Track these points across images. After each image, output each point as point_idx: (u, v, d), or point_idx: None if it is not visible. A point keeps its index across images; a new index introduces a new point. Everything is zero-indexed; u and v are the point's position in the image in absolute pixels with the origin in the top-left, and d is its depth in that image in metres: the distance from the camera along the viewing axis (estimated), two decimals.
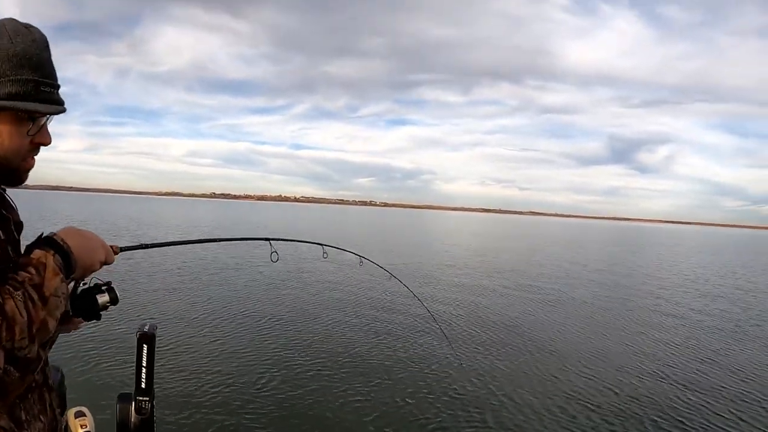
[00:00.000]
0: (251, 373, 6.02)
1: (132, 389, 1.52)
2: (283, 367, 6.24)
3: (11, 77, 1.03)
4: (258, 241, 2.12)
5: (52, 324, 0.97)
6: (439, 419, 5.17)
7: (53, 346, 1.20)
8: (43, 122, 1.12)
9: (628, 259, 27.39)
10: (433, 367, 6.67)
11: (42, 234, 1.12)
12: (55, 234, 1.11)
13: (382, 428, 4.91)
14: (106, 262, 1.23)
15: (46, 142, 1.15)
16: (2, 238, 1.06)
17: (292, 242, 2.67)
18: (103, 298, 1.29)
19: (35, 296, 0.95)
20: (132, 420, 1.49)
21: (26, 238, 1.17)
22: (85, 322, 1.33)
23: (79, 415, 1.60)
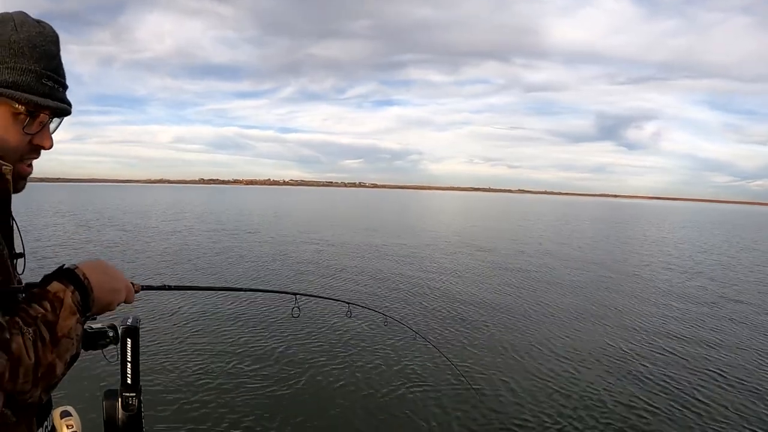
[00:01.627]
0: (245, 379, 6.05)
1: (118, 386, 1.46)
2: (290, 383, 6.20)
3: (9, 64, 0.96)
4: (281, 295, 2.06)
5: (60, 368, 0.89)
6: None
7: None
8: (44, 122, 1.04)
9: (613, 235, 27.70)
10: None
11: (63, 265, 1.03)
12: (77, 267, 1.03)
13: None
14: (125, 302, 1.18)
15: (46, 145, 1.06)
16: (6, 259, 0.99)
17: (316, 297, 2.78)
18: (105, 343, 1.31)
19: (47, 336, 0.86)
20: (119, 417, 1.45)
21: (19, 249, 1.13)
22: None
23: (65, 414, 1.56)
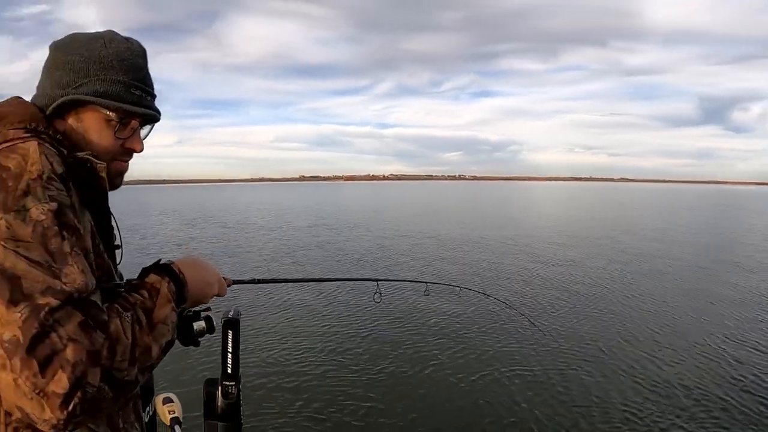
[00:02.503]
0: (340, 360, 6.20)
1: (218, 375, 1.50)
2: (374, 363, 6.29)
3: (100, 76, 1.08)
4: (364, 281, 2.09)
5: (155, 351, 0.95)
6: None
7: None
8: (135, 127, 1.15)
9: (719, 225, 25.41)
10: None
11: (160, 260, 1.13)
12: (173, 262, 1.12)
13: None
14: (218, 295, 1.27)
15: (137, 148, 1.18)
16: (107, 255, 1.09)
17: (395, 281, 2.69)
18: (199, 325, 1.31)
19: (144, 320, 0.94)
20: (219, 404, 1.50)
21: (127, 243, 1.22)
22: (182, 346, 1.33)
23: (167, 401, 1.63)
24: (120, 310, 0.91)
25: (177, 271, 1.10)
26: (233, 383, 1.52)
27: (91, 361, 0.81)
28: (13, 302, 0.79)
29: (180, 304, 1.09)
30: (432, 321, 7.73)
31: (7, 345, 0.77)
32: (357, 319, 7.77)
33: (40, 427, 0.81)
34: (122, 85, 1.10)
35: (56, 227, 0.87)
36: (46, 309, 0.79)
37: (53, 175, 0.92)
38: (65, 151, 1.01)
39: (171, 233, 21.57)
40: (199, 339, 1.33)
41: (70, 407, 0.78)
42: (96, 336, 0.83)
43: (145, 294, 0.99)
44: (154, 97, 1.19)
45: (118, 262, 1.21)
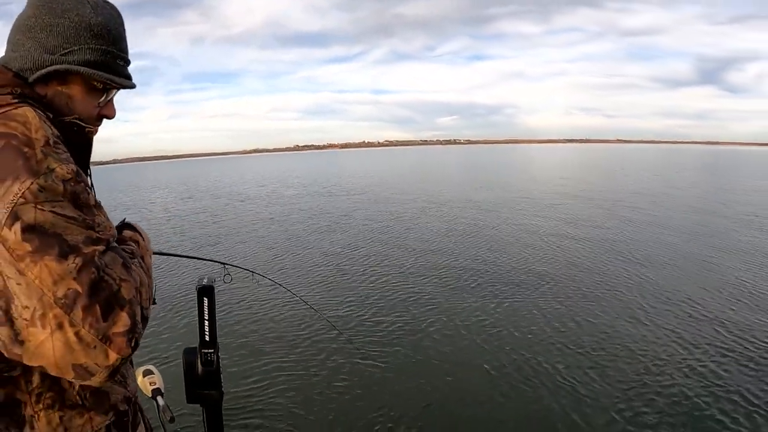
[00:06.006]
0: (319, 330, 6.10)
1: (196, 344, 1.51)
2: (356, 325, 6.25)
3: (91, 45, 1.08)
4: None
5: (154, 292, 1.09)
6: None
7: None
8: (112, 95, 1.18)
9: (711, 183, 25.32)
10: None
11: (124, 219, 1.27)
12: (129, 222, 1.26)
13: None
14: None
15: (111, 114, 1.20)
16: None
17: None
18: None
19: (144, 265, 1.06)
20: (199, 372, 1.50)
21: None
22: None
23: (148, 373, 1.63)
24: (130, 256, 1.02)
25: (138, 228, 1.24)
26: (212, 350, 1.51)
27: (138, 298, 0.91)
28: (63, 256, 0.83)
29: None
30: None
31: (64, 301, 0.81)
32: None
33: (95, 380, 0.86)
34: (111, 56, 1.11)
35: (81, 184, 0.93)
36: (97, 254, 0.86)
37: (57, 139, 0.96)
38: (51, 115, 1.03)
39: (159, 207, 21.05)
40: None
41: (133, 343, 0.87)
42: (135, 275, 0.93)
43: (133, 245, 1.11)
44: (129, 64, 1.21)
45: None
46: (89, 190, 0.96)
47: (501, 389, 4.50)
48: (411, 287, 7.57)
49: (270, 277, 3.63)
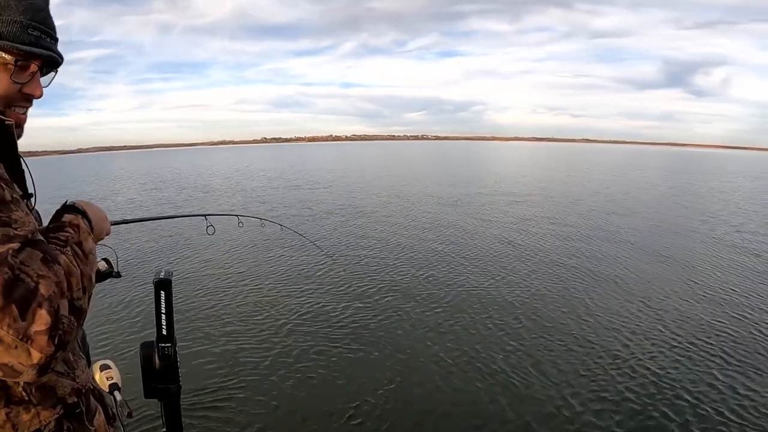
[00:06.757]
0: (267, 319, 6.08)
1: (152, 338, 1.51)
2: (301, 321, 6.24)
3: None
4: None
5: (93, 278, 1.03)
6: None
7: None
8: (34, 71, 1.08)
9: (676, 186, 25.74)
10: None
11: (66, 201, 1.18)
12: (74, 203, 1.18)
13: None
14: (107, 233, 1.33)
15: (36, 93, 1.11)
16: (29, 205, 1.12)
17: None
18: (102, 265, 1.43)
19: (79, 252, 1.01)
20: (156, 367, 1.49)
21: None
22: None
23: (105, 368, 1.60)
24: (59, 246, 0.98)
25: (82, 210, 1.16)
26: (169, 344, 1.51)
27: (61, 293, 0.86)
28: None
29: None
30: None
31: None
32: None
33: (24, 378, 0.85)
34: (18, 25, 1.03)
35: None
36: (10, 252, 0.81)
37: None
38: None
39: (124, 196, 20.67)
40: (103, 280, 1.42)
41: (56, 341, 0.83)
42: (57, 269, 0.88)
43: (70, 231, 1.05)
44: (55, 40, 1.12)
45: (32, 209, 1.20)
46: (5, 184, 0.91)
47: (453, 382, 4.57)
48: (369, 278, 7.63)
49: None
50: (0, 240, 0.82)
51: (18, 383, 0.97)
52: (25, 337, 0.80)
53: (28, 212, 0.93)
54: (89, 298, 0.99)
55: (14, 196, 0.91)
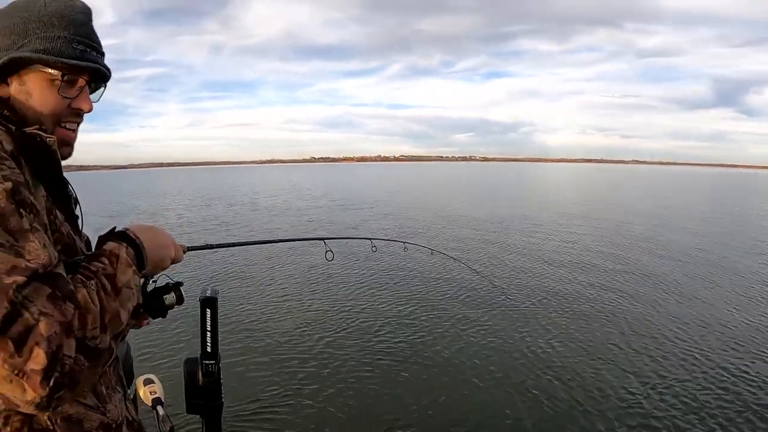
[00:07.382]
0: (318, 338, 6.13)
1: (197, 354, 1.51)
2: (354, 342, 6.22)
3: (39, 35, 1.03)
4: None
5: (124, 315, 0.97)
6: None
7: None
8: (82, 86, 1.09)
9: (727, 210, 24.59)
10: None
11: (114, 228, 1.13)
12: (128, 228, 1.12)
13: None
14: (175, 260, 1.26)
15: (85, 107, 1.11)
16: (68, 230, 1.07)
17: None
18: (170, 299, 1.31)
19: (108, 286, 0.95)
20: (200, 383, 1.50)
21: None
22: (151, 320, 1.34)
23: (148, 382, 1.62)
24: (83, 279, 0.92)
25: (133, 236, 1.10)
26: (213, 362, 1.52)
27: (65, 333, 0.81)
28: None
29: (141, 269, 1.09)
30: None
31: None
32: (308, 278, 8.17)
33: (24, 410, 0.82)
34: (63, 41, 1.04)
35: (13, 206, 0.85)
36: (14, 287, 0.78)
37: (4, 154, 0.91)
38: (13, 127, 0.99)
39: (178, 212, 21.44)
40: (169, 311, 1.33)
41: (51, 383, 0.79)
42: (66, 307, 0.83)
43: (105, 261, 0.99)
44: (101, 54, 1.13)
45: (79, 231, 1.18)
46: (25, 211, 0.88)
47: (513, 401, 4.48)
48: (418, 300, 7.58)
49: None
50: (7, 271, 0.80)
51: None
52: (21, 373, 0.77)
53: (48, 243, 0.89)
54: (119, 335, 0.95)
55: (34, 225, 0.88)
